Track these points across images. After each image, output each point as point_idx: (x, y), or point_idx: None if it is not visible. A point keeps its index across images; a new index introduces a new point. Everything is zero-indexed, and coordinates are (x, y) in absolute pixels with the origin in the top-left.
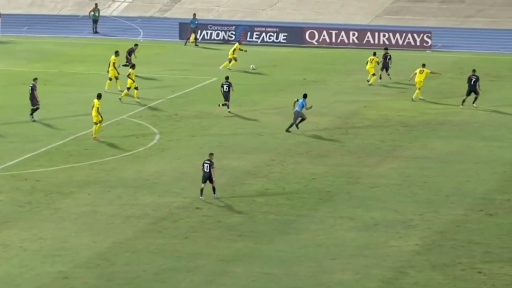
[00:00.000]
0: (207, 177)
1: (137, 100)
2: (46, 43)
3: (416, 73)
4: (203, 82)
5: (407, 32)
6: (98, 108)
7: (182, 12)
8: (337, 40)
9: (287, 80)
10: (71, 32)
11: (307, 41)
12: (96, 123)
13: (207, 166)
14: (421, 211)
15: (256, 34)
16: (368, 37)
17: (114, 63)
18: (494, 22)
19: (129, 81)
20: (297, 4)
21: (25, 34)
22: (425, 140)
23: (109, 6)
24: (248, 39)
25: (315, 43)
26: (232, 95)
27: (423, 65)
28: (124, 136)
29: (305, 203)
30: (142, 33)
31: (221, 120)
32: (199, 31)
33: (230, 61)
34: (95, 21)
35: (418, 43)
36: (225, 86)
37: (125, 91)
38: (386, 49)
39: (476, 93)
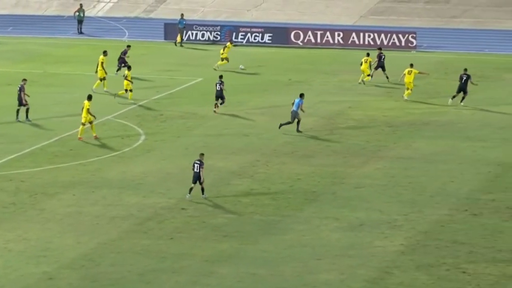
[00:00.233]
0: (197, 177)
1: (132, 101)
2: (31, 44)
3: (405, 74)
4: (188, 83)
5: (392, 33)
6: (88, 109)
7: (167, 13)
8: (322, 41)
9: (272, 80)
10: (56, 32)
11: (292, 41)
12: (83, 124)
13: (197, 166)
14: (406, 211)
15: (241, 35)
16: (353, 38)
17: (102, 62)
18: (479, 23)
19: (126, 82)
20: (282, 5)
21: (9, 34)
22: (410, 140)
23: (94, 7)
24: (233, 39)
25: (300, 43)
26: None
27: (411, 65)
28: (109, 137)
29: (290, 203)
30: (127, 34)
31: (207, 120)
32: (184, 32)
33: (225, 60)
34: (80, 21)
35: (403, 44)
36: (217, 85)
37: (122, 91)
38: (380, 49)
39: (465, 92)
